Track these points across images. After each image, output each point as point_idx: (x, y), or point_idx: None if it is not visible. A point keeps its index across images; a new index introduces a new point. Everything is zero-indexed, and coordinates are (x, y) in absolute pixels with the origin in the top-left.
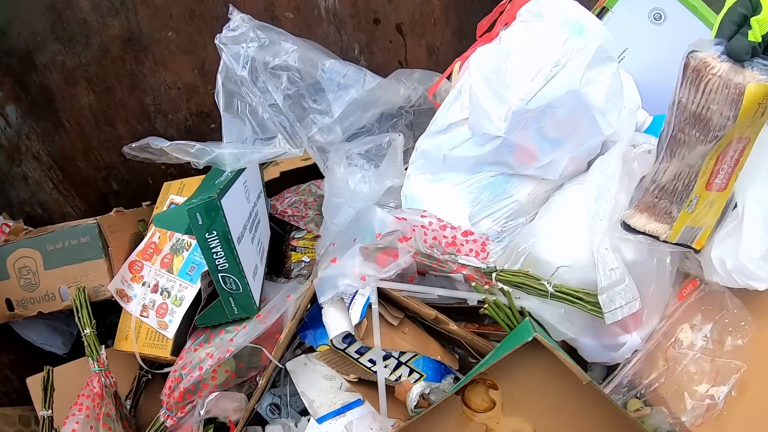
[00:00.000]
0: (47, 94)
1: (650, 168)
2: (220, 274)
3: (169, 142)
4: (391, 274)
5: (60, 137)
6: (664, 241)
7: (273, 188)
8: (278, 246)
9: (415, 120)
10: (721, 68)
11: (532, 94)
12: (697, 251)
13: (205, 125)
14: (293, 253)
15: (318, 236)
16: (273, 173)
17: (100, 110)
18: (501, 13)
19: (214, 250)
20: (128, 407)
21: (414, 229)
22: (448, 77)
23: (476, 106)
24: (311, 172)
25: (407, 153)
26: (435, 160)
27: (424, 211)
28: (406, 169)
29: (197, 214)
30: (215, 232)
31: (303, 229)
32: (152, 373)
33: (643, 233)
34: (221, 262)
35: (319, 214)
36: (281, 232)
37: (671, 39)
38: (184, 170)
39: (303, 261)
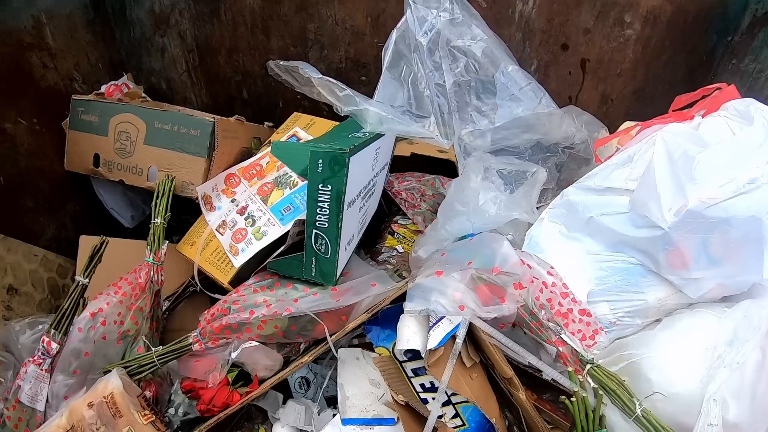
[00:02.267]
0: None
1: None
2: (315, 231)
3: (321, 76)
4: (490, 316)
5: (211, 26)
6: None
7: (397, 164)
8: (378, 222)
9: (566, 162)
10: None
11: (715, 202)
12: None
13: (356, 75)
14: (389, 237)
15: (420, 231)
16: (404, 150)
17: (260, 16)
18: (703, 97)
19: (320, 204)
20: (164, 309)
21: (533, 281)
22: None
23: (649, 185)
24: (440, 167)
25: (543, 192)
26: (578, 217)
27: (552, 268)
28: (537, 207)
29: (320, 160)
30: (330, 187)
31: (409, 219)
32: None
33: None
34: (322, 219)
35: (431, 210)
36: (385, 210)
37: None
38: (317, 108)
39: (396, 249)
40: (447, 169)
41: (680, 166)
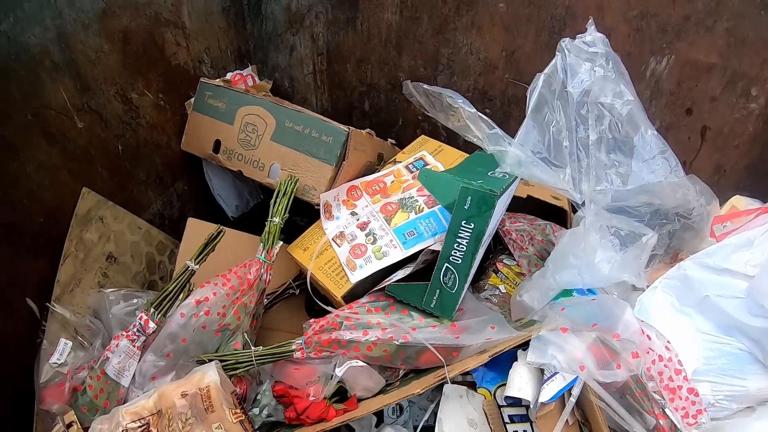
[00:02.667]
0: None
1: None
2: (446, 265)
3: (474, 110)
4: (606, 381)
5: (345, 33)
6: None
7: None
8: (483, 257)
9: (679, 232)
10: None
11: None
12: None
13: (481, 106)
14: (494, 274)
15: (523, 274)
16: (521, 191)
17: (396, 33)
18: None
19: (458, 240)
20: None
21: (648, 351)
22: None
23: None
24: (552, 213)
25: (651, 257)
26: (692, 293)
27: (669, 342)
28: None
29: (469, 197)
30: (473, 225)
31: (514, 260)
32: (299, 291)
33: None
34: (457, 255)
35: (537, 255)
36: (491, 247)
37: None
38: (435, 131)
39: (498, 288)
40: (555, 215)
41: None
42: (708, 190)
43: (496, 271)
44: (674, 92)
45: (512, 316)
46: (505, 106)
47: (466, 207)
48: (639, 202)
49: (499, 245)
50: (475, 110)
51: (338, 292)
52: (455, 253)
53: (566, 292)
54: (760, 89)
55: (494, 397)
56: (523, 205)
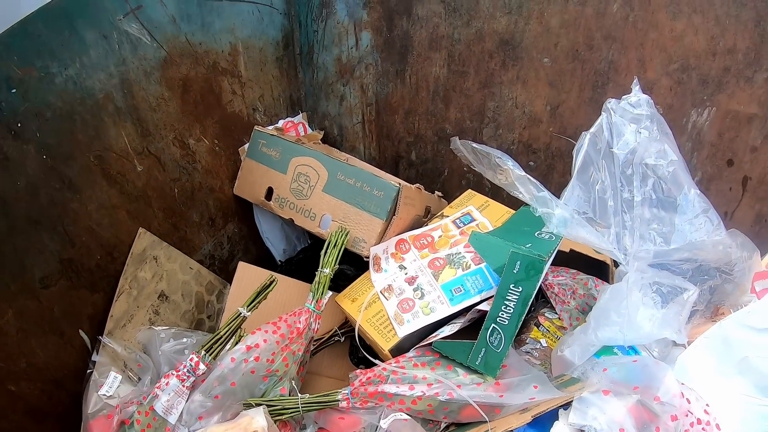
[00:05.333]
0: (406, 43)
1: None
2: (493, 325)
3: (523, 173)
4: None
5: (394, 85)
6: None
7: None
8: None
9: (720, 286)
10: None
11: None
12: None
13: (525, 159)
14: (535, 328)
15: (564, 328)
16: (564, 245)
17: (443, 86)
18: None
19: (506, 303)
20: None
21: (687, 414)
22: None
23: None
24: (595, 268)
25: (692, 312)
26: (731, 352)
27: (707, 405)
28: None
29: (518, 262)
30: (521, 289)
31: (556, 313)
32: (344, 339)
33: None
34: (504, 317)
35: (578, 309)
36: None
37: None
38: (480, 183)
39: (539, 342)
40: (596, 266)
41: None
42: (749, 243)
43: (538, 325)
44: (715, 144)
45: (553, 371)
46: (548, 159)
47: (515, 271)
48: (681, 259)
49: (541, 298)
50: (524, 173)
51: (386, 345)
52: (502, 314)
53: (607, 348)
54: None
55: None
56: (565, 258)
